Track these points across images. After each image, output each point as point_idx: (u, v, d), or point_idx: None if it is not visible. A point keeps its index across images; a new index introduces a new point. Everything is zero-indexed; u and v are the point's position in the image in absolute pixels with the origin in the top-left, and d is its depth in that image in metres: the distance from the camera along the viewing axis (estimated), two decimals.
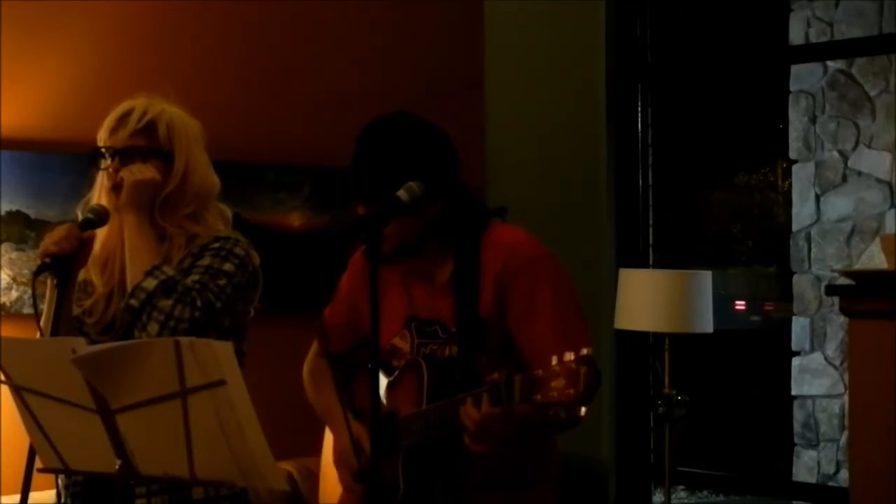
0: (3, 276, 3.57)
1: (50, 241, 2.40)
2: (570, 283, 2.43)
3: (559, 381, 1.98)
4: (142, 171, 2.44)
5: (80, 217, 2.46)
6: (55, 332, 2.32)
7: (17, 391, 2.08)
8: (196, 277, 2.44)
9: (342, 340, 2.58)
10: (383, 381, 2.46)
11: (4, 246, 3.58)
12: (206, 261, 2.48)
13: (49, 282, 2.43)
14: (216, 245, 2.50)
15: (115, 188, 2.50)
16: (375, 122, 2.43)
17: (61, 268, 2.38)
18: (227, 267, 2.48)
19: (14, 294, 3.59)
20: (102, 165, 2.53)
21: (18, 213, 3.61)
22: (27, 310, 3.58)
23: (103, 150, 2.53)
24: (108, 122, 2.53)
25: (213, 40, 4.03)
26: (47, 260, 2.37)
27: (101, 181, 2.55)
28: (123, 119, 2.51)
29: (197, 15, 4.00)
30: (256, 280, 2.56)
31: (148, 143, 2.51)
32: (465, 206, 2.44)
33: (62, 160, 3.65)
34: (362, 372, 2.51)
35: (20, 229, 3.60)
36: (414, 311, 2.45)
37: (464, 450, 2.25)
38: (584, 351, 1.98)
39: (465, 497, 2.35)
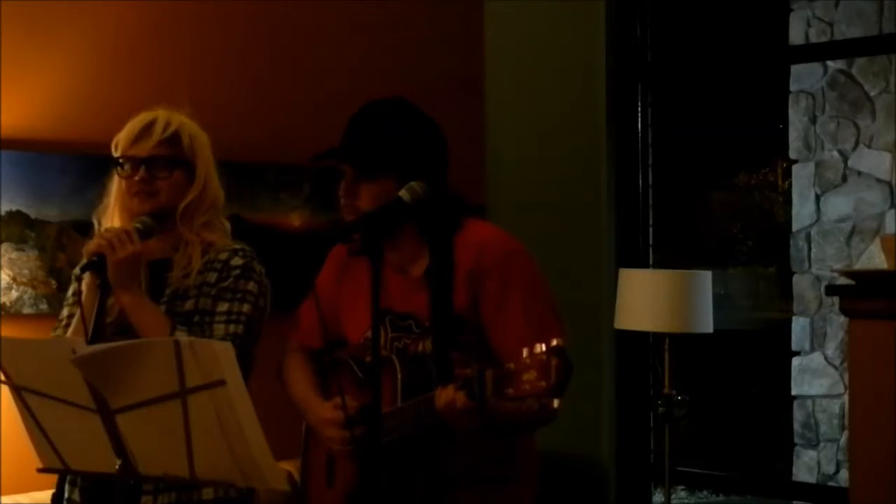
0: (3, 276, 3.57)
1: (101, 240, 2.46)
2: (544, 279, 2.46)
3: (531, 374, 1.99)
4: (124, 248, 2.45)
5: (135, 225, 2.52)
6: (97, 330, 2.35)
7: (17, 391, 2.08)
8: (224, 308, 2.54)
9: (319, 337, 2.58)
10: (357, 376, 2.45)
11: (4, 246, 3.58)
12: (231, 283, 2.57)
13: (88, 279, 2.47)
14: (239, 262, 2.60)
15: (145, 195, 2.56)
16: (375, 101, 2.50)
17: (104, 268, 2.43)
18: (251, 286, 2.59)
19: (14, 294, 3.59)
20: (121, 174, 2.59)
21: (18, 213, 3.61)
22: (27, 310, 3.59)
23: (121, 159, 2.58)
24: (130, 131, 2.58)
25: (212, 40, 4.03)
26: (94, 258, 2.43)
27: (119, 189, 2.60)
28: (148, 129, 2.57)
29: (197, 15, 4.00)
30: (268, 290, 2.65)
31: (172, 154, 2.58)
32: (443, 201, 2.44)
33: (62, 160, 3.65)
34: (333, 371, 2.51)
35: (20, 229, 3.60)
36: (389, 305, 2.44)
37: (442, 446, 2.26)
38: (555, 342, 1.98)
39: (443, 493, 2.35)
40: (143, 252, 2.56)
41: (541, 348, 1.99)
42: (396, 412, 2.31)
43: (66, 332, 2.60)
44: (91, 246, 2.46)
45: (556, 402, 1.99)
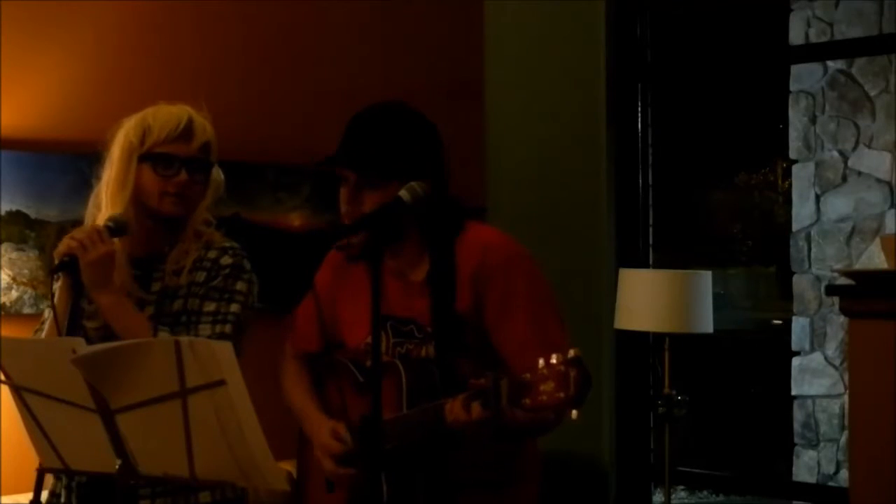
0: (3, 276, 3.57)
1: (71, 240, 2.40)
2: (546, 282, 2.44)
3: (548, 385, 1.97)
4: (96, 249, 2.38)
5: (106, 223, 2.45)
6: (72, 332, 2.31)
7: (17, 391, 2.08)
8: (212, 308, 2.49)
9: (316, 340, 2.56)
10: (358, 381, 2.44)
11: (4, 246, 3.58)
12: (220, 282, 2.52)
13: (61, 281, 2.42)
14: (229, 262, 2.55)
15: (180, 198, 2.49)
16: (373, 105, 2.47)
17: (77, 269, 2.38)
18: (240, 286, 2.54)
19: (14, 294, 3.59)
20: (161, 172, 2.49)
21: (18, 213, 3.61)
22: (27, 310, 3.59)
23: (152, 154, 2.49)
24: (169, 128, 2.49)
25: (213, 40, 4.03)
26: (66, 259, 2.37)
27: (139, 184, 2.50)
28: (189, 128, 2.50)
29: (197, 15, 4.00)
30: (256, 287, 2.60)
31: (207, 158, 2.54)
32: (444, 204, 2.42)
33: (62, 160, 3.65)
34: (333, 373, 2.50)
35: (20, 229, 3.60)
36: (389, 310, 2.41)
37: (445, 451, 2.25)
38: (572, 353, 1.96)
39: (447, 497, 2.34)
40: (132, 249, 2.52)
41: (558, 358, 1.97)
42: (402, 419, 2.30)
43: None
44: (61, 247, 2.39)
45: (574, 413, 1.97)
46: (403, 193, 2.20)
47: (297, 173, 4.15)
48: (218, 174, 2.60)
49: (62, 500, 2.53)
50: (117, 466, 2.03)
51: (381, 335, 2.42)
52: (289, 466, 3.53)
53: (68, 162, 3.65)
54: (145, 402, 1.95)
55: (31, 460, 2.17)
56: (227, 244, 2.59)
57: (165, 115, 2.51)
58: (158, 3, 3.90)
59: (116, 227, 2.44)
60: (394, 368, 2.34)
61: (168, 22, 3.93)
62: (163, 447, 1.99)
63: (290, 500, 2.69)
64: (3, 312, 3.56)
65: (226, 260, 2.55)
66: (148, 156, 2.49)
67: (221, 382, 1.91)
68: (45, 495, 2.55)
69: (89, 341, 2.43)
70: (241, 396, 1.93)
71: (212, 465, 1.98)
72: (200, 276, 2.53)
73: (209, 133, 2.54)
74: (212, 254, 2.55)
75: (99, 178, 2.56)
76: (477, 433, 2.16)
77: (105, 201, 2.52)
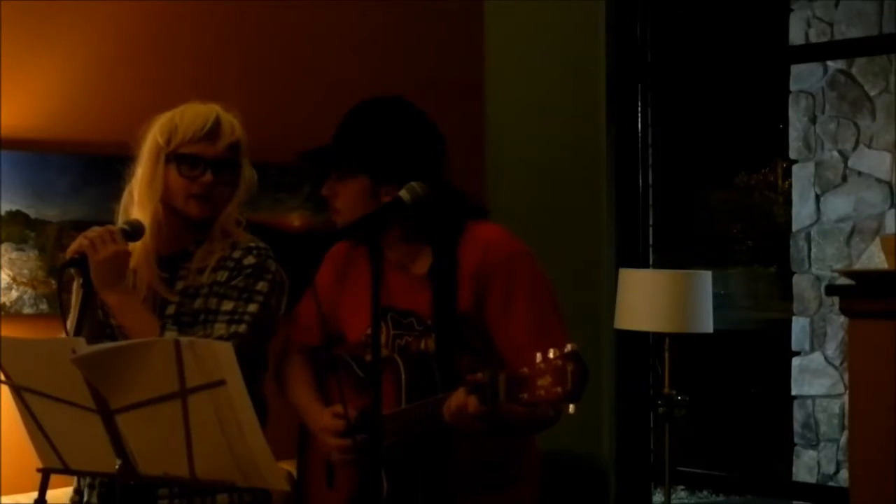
0: (3, 276, 3.57)
1: (84, 239, 2.40)
2: (548, 281, 2.44)
3: (545, 379, 1.98)
4: (105, 248, 2.39)
5: (121, 226, 2.46)
6: (79, 331, 2.31)
7: (17, 391, 2.09)
8: (229, 307, 2.47)
9: (317, 334, 2.57)
10: (357, 376, 2.45)
11: (4, 246, 3.58)
12: (241, 282, 2.50)
13: (76, 281, 2.43)
14: (251, 261, 2.53)
15: (204, 199, 2.49)
16: (367, 99, 2.48)
17: (86, 267, 2.38)
18: (261, 286, 2.52)
19: (14, 294, 3.59)
20: (185, 173, 2.49)
21: (18, 213, 3.61)
22: (27, 310, 3.59)
23: (178, 155, 2.48)
24: (194, 128, 2.49)
25: (212, 40, 4.03)
26: (76, 256, 2.38)
27: (166, 185, 2.50)
28: (216, 129, 2.51)
29: (197, 15, 4.00)
30: (283, 288, 2.58)
31: (235, 158, 2.54)
32: (447, 200, 2.43)
33: (62, 160, 3.65)
34: (333, 370, 2.50)
35: (20, 229, 3.60)
36: (390, 302, 2.42)
37: (445, 448, 2.25)
38: (569, 347, 1.97)
39: (447, 495, 2.34)
40: (159, 248, 2.52)
41: (556, 353, 1.97)
42: (401, 414, 2.30)
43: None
44: (73, 245, 2.40)
45: (571, 408, 1.97)
46: (403, 193, 2.20)
47: (297, 173, 4.14)
48: (250, 172, 2.59)
49: (84, 498, 2.53)
50: (117, 466, 2.03)
51: (381, 326, 2.43)
52: (289, 466, 3.52)
53: (68, 162, 3.65)
54: (145, 402, 1.95)
55: (31, 460, 2.17)
56: (253, 244, 2.57)
57: (192, 115, 2.52)
58: (158, 3, 3.90)
59: (132, 231, 2.46)
60: (392, 363, 2.35)
61: (168, 22, 3.93)
62: (163, 447, 1.99)
63: (291, 501, 2.69)
64: (3, 312, 3.56)
65: (249, 260, 2.53)
66: (174, 156, 2.49)
67: (221, 382, 1.91)
68: (69, 493, 2.57)
69: (115, 338, 2.47)
70: (241, 396, 1.93)
71: (212, 465, 1.98)
72: (223, 276, 2.52)
73: (237, 133, 2.54)
74: (236, 253, 2.54)
75: (130, 177, 2.56)
76: (474, 428, 2.16)
77: (135, 200, 2.53)
